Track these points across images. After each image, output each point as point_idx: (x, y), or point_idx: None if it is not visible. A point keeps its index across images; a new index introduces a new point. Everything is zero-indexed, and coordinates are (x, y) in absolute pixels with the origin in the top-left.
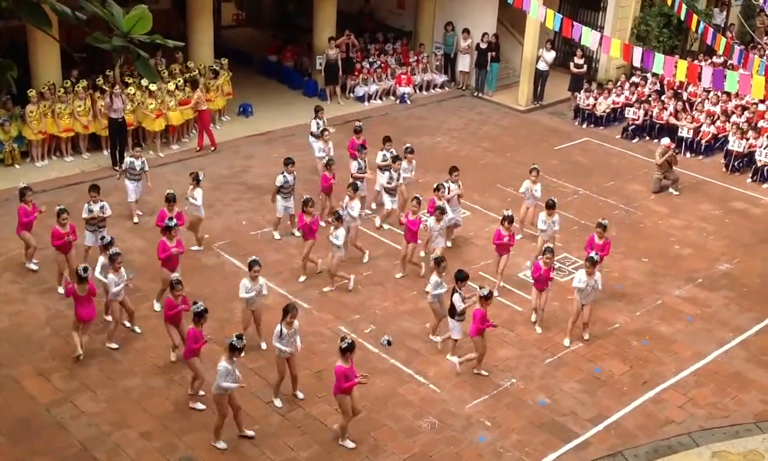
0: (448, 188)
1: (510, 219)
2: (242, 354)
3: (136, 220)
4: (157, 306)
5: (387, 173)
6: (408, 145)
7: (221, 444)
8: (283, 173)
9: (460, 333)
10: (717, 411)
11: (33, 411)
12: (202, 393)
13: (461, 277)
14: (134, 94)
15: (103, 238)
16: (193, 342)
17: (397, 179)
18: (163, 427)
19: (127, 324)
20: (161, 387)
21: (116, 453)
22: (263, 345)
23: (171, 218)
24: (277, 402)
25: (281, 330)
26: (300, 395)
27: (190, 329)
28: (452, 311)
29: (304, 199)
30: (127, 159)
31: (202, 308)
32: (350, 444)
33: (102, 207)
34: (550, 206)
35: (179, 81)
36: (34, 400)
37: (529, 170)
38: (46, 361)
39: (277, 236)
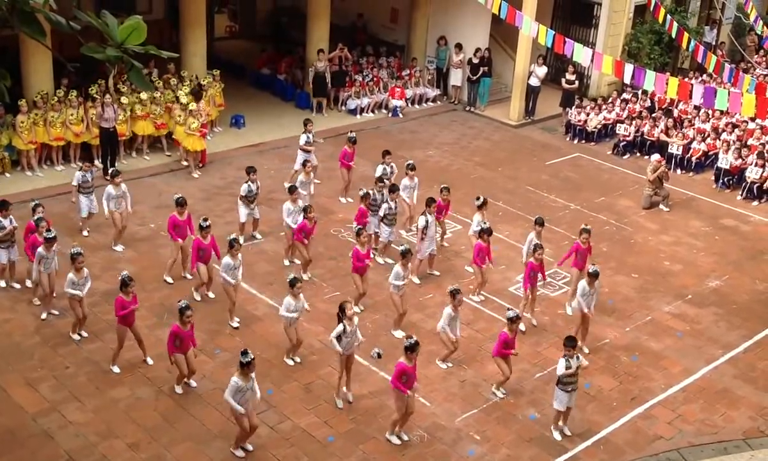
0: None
1: (489, 232)
2: (253, 369)
3: (86, 233)
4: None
5: (384, 204)
6: (410, 162)
7: (240, 453)
8: (247, 182)
9: (561, 405)
10: (706, 427)
11: (20, 421)
12: (116, 369)
13: (570, 344)
14: (127, 103)
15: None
16: (119, 309)
17: (395, 208)
18: (151, 438)
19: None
20: (149, 398)
21: None
22: (291, 362)
23: (206, 219)
24: (339, 403)
25: (344, 328)
26: (350, 397)
27: (117, 298)
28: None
29: (305, 206)
30: (78, 174)
31: (125, 275)
32: (395, 440)
33: (11, 221)
34: (540, 224)
35: (188, 96)
36: (21, 410)
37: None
38: (35, 370)
39: (241, 240)
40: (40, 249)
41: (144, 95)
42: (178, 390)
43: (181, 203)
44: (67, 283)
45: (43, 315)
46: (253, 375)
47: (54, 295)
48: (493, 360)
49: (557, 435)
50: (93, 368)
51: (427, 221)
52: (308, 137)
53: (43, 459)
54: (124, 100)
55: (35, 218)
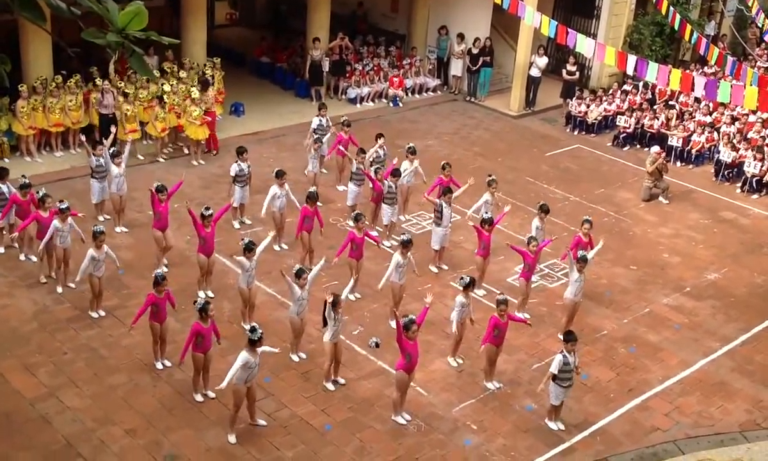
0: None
1: (489, 221)
2: (261, 346)
3: (101, 218)
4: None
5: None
6: (410, 145)
7: (233, 438)
8: (237, 161)
9: (557, 400)
10: (702, 419)
11: (17, 406)
12: (159, 366)
13: (570, 339)
14: (129, 92)
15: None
16: (146, 305)
17: (395, 189)
18: (149, 424)
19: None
20: (147, 385)
21: (101, 449)
22: (297, 358)
23: (207, 208)
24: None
25: (333, 316)
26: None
27: (149, 295)
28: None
29: (308, 193)
30: (92, 159)
31: (159, 274)
32: (401, 420)
33: (8, 187)
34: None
35: (193, 85)
36: (18, 395)
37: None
38: (33, 356)
39: (236, 225)
40: (56, 222)
41: (167, 86)
42: (198, 397)
43: (160, 190)
44: (87, 258)
45: (43, 280)
46: (259, 350)
47: (68, 268)
48: (484, 348)
49: (553, 426)
50: (91, 354)
51: (441, 205)
52: (321, 121)
53: (41, 443)
54: (128, 88)
55: (40, 194)
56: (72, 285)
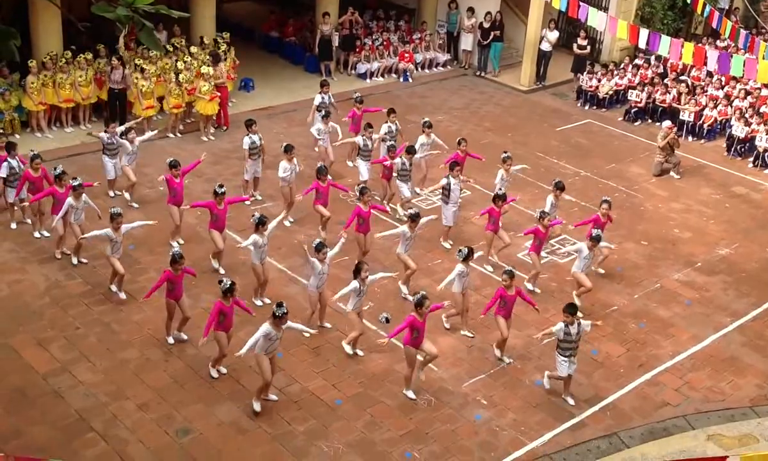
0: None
1: (503, 198)
2: (286, 322)
3: (112, 195)
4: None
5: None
6: (426, 119)
7: (258, 406)
8: (248, 134)
9: (563, 371)
10: (713, 394)
11: (30, 381)
12: (171, 340)
13: (570, 311)
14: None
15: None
16: (161, 281)
17: (409, 165)
18: (161, 399)
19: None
20: (159, 359)
21: (113, 423)
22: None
23: (221, 185)
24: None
25: (358, 287)
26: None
27: (165, 271)
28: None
29: (318, 167)
30: (103, 135)
31: (177, 252)
32: (411, 394)
33: (18, 162)
34: (561, 188)
35: (204, 61)
36: (31, 370)
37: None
38: (45, 331)
39: (245, 195)
40: (70, 199)
41: (180, 64)
42: (214, 373)
43: (174, 165)
44: (103, 232)
45: (58, 255)
46: (283, 326)
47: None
48: (495, 320)
49: (571, 400)
50: (103, 329)
51: (449, 183)
52: (323, 98)
53: (54, 418)
54: (138, 61)
55: (57, 171)
56: (84, 261)
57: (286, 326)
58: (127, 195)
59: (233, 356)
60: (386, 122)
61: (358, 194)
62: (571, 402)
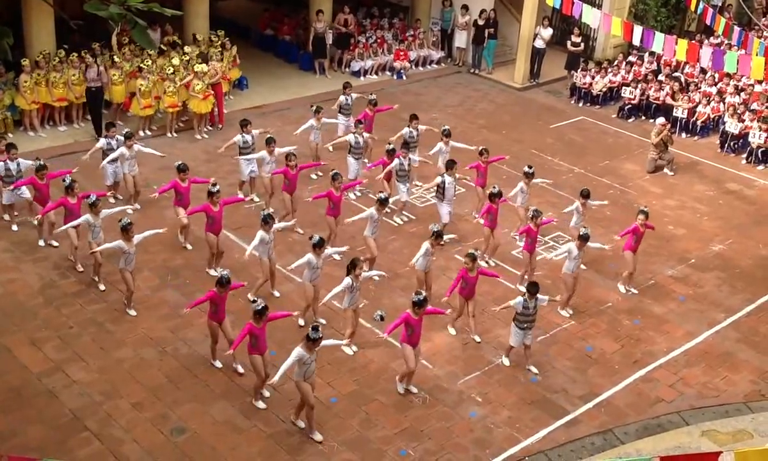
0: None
1: (499, 195)
2: (320, 345)
3: (112, 200)
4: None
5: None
6: (446, 127)
7: (301, 424)
8: (241, 134)
9: (515, 342)
10: (707, 390)
11: (25, 380)
12: (218, 364)
13: (532, 290)
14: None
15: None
16: (204, 299)
17: (407, 165)
18: (155, 398)
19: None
20: (153, 359)
21: (108, 422)
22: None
23: (215, 185)
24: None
25: (351, 283)
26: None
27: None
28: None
29: (286, 153)
30: (103, 140)
31: (225, 275)
32: (400, 389)
33: (18, 163)
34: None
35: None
36: (26, 369)
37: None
38: (39, 330)
39: (240, 195)
40: (88, 216)
41: (176, 60)
42: (260, 404)
43: (182, 169)
44: (115, 245)
45: (79, 267)
46: (317, 348)
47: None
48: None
49: (506, 361)
50: (97, 329)
51: (444, 181)
52: (346, 99)
53: (49, 417)
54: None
55: (68, 181)
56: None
57: (320, 347)
58: (129, 209)
59: (267, 384)
60: (408, 127)
61: (331, 179)
62: (535, 370)
